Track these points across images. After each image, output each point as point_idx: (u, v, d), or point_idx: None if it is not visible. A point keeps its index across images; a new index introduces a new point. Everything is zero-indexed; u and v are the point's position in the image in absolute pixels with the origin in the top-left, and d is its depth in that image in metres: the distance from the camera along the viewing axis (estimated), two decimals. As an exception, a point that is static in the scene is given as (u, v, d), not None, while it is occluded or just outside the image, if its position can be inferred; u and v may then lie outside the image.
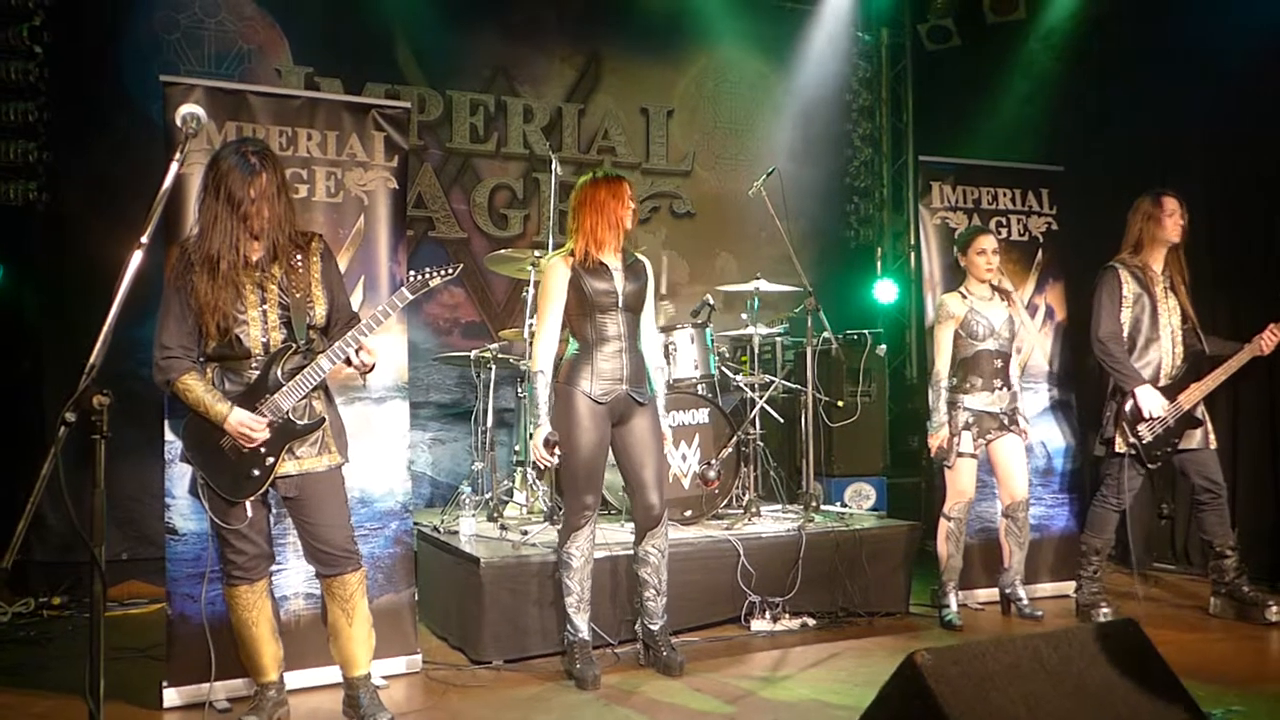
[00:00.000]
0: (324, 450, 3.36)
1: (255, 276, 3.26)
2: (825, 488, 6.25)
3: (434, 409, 6.66)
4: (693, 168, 7.63)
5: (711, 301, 5.65)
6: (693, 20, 7.45)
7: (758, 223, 7.00)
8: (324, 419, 3.36)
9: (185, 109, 2.83)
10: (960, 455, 4.80)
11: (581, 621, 4.01)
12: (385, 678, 3.97)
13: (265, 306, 3.27)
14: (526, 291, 5.40)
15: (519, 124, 7.04)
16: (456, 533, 4.77)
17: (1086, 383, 5.58)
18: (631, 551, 4.19)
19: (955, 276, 5.16)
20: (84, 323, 2.80)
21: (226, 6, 6.18)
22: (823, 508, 5.48)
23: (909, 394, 7.87)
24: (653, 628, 4.11)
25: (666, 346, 5.15)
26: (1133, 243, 4.85)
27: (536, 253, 5.32)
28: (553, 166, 5.62)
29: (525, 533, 4.70)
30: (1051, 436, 5.51)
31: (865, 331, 6.64)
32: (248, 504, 3.27)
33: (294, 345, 3.29)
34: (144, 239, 2.46)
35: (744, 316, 5.85)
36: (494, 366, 5.53)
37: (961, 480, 4.84)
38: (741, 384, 5.63)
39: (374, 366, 3.38)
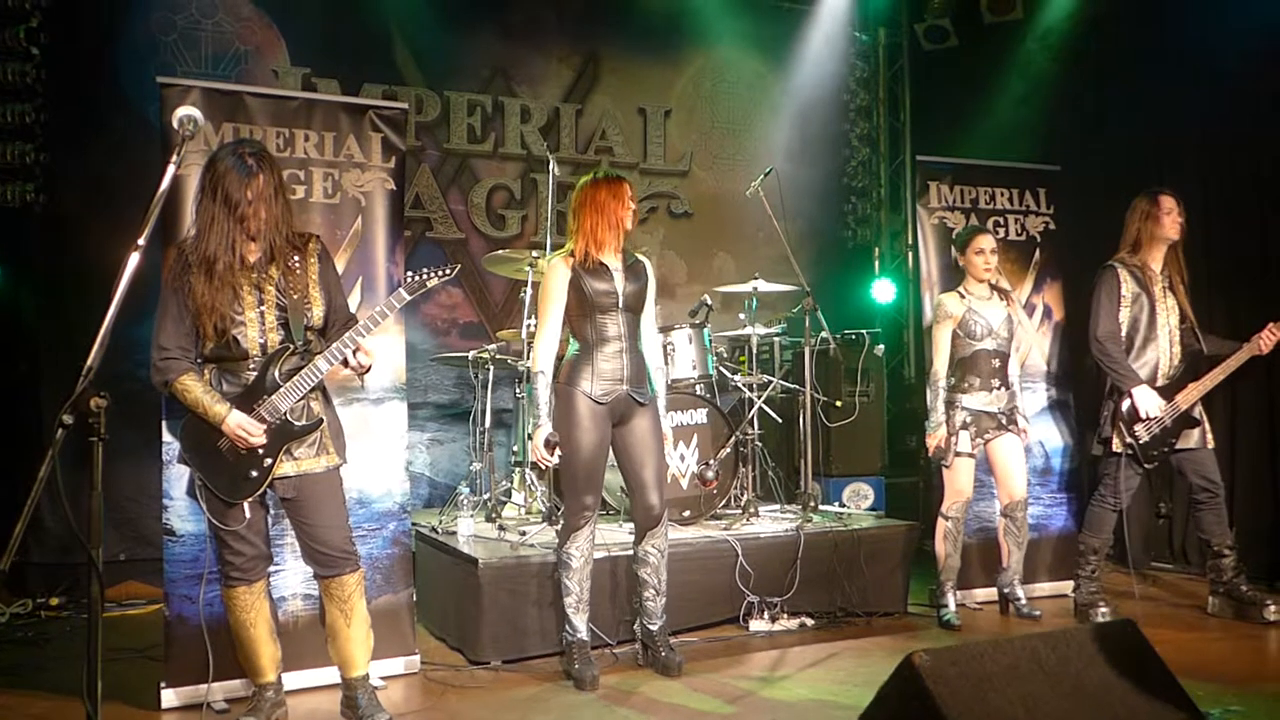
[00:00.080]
0: (322, 451, 3.36)
1: (253, 278, 3.26)
2: (823, 488, 6.26)
3: (432, 409, 6.66)
4: (690, 168, 7.63)
5: (709, 302, 5.66)
6: (690, 20, 7.46)
7: (755, 223, 7.00)
8: (322, 420, 3.36)
9: (182, 111, 2.83)
10: (958, 455, 4.80)
11: (580, 622, 4.01)
12: (383, 678, 3.97)
13: (263, 308, 3.26)
14: (524, 292, 5.39)
15: (516, 124, 7.04)
16: (455, 533, 4.77)
17: (1084, 382, 5.59)
18: (630, 552, 4.19)
19: (953, 276, 5.17)
20: (82, 324, 2.80)
21: (224, 7, 6.17)
22: (821, 508, 5.48)
23: (907, 394, 7.88)
24: (652, 628, 4.11)
25: (664, 346, 5.15)
26: (1131, 242, 4.86)
27: (534, 253, 5.31)
28: (550, 167, 5.61)
29: (523, 533, 4.70)
30: (1049, 436, 5.52)
31: (863, 331, 6.64)
32: (245, 505, 3.27)
33: (291, 346, 3.29)
34: (141, 241, 2.46)
35: (742, 317, 5.85)
36: (492, 367, 5.54)
37: (959, 480, 4.84)
38: (739, 384, 5.63)
39: (371, 367, 3.38)
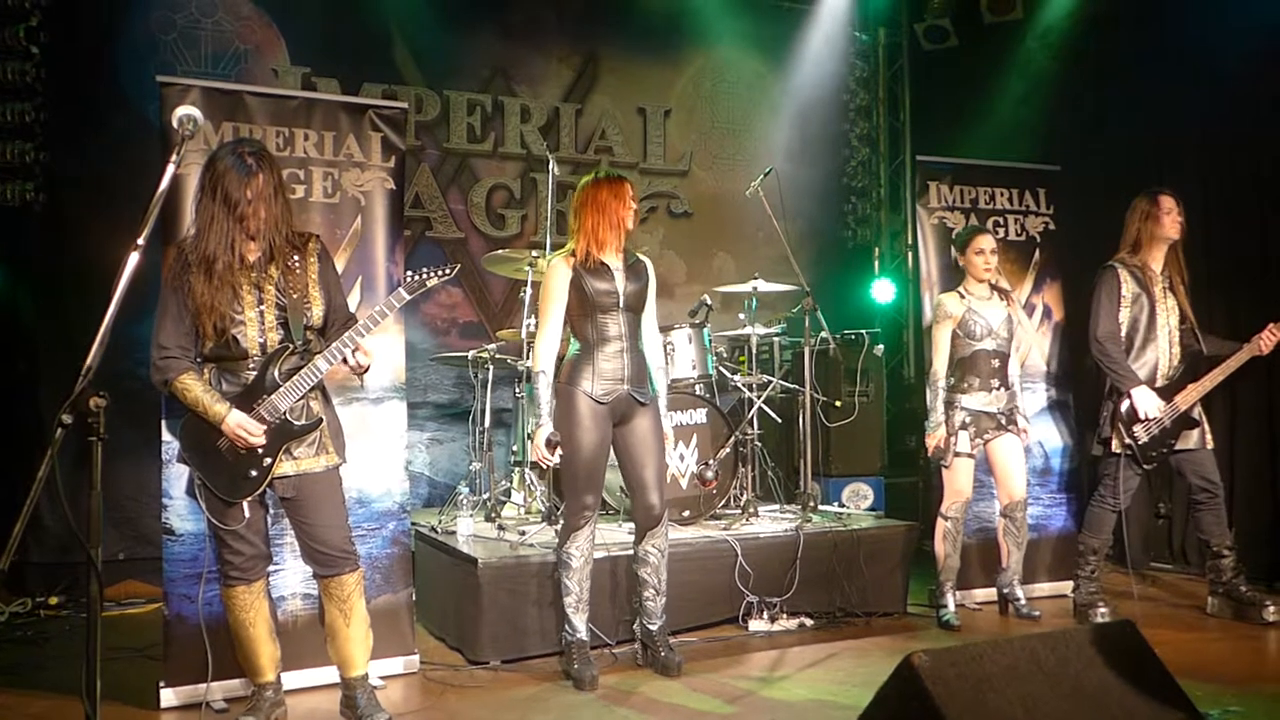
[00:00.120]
0: (321, 451, 3.36)
1: (252, 277, 3.26)
2: (823, 488, 6.26)
3: (431, 409, 6.66)
4: (690, 168, 7.63)
5: (709, 301, 5.66)
6: (690, 20, 7.46)
7: (755, 223, 7.00)
8: (321, 420, 3.35)
9: (182, 111, 2.83)
10: (957, 455, 4.81)
11: (580, 622, 4.01)
12: (383, 678, 3.97)
13: (262, 307, 3.26)
14: (524, 292, 5.40)
15: (516, 124, 7.04)
16: (454, 533, 4.77)
17: (1084, 383, 5.59)
18: (630, 552, 4.19)
19: (953, 276, 5.17)
20: (81, 323, 2.80)
21: (223, 6, 6.17)
22: (820, 508, 5.48)
23: (907, 394, 7.88)
24: (651, 628, 4.11)
25: (664, 346, 5.15)
26: (1131, 242, 4.85)
27: (534, 253, 5.32)
28: (550, 166, 5.61)
29: (523, 533, 4.70)
30: (1049, 436, 5.52)
31: (863, 331, 6.64)
32: (245, 504, 3.27)
33: (291, 346, 3.29)
34: (140, 240, 2.46)
35: (741, 316, 5.85)
36: (491, 367, 5.54)
37: (959, 480, 4.84)
38: (739, 384, 5.63)
39: (369, 367, 3.38)
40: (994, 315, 4.83)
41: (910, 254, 8.09)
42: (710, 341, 5.45)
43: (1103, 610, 4.76)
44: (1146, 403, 4.66)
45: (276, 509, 3.48)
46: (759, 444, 5.59)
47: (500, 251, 5.65)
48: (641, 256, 4.14)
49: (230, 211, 3.16)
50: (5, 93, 5.56)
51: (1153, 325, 4.77)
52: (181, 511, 3.80)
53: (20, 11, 5.53)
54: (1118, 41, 6.43)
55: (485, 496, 5.35)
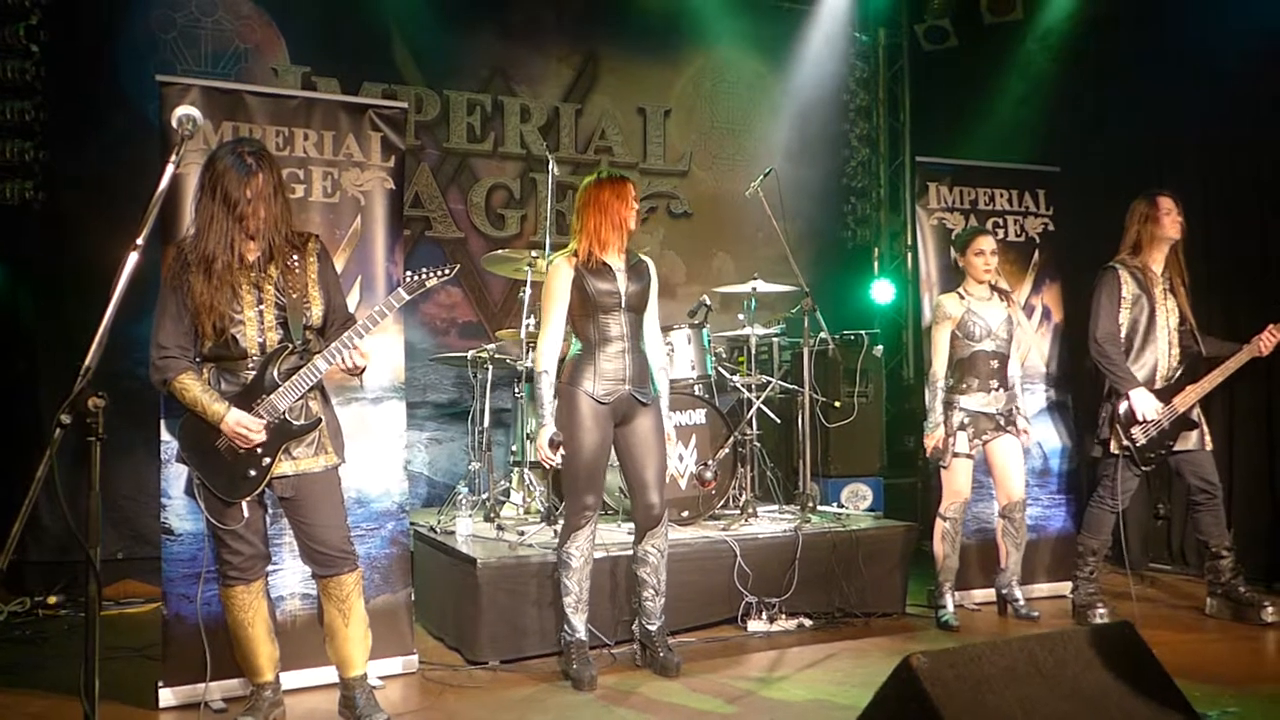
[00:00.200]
0: (320, 451, 3.36)
1: (252, 277, 3.25)
2: (822, 488, 6.26)
3: (431, 409, 6.66)
4: (690, 168, 7.64)
5: (708, 302, 5.66)
6: (690, 20, 7.46)
7: (755, 223, 7.00)
8: (320, 419, 3.35)
9: (181, 110, 2.83)
10: (956, 456, 4.81)
11: (579, 622, 4.01)
12: (381, 678, 3.97)
13: (262, 307, 3.26)
14: (523, 292, 5.39)
15: (516, 124, 7.04)
16: (453, 533, 4.77)
17: (1083, 384, 5.59)
18: (629, 552, 4.19)
19: (952, 277, 5.17)
20: (80, 322, 2.80)
21: (223, 5, 6.17)
22: (819, 508, 5.48)
23: (906, 394, 7.89)
24: (650, 628, 4.11)
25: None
26: (1131, 244, 4.85)
27: (533, 253, 5.32)
28: (550, 166, 5.62)
29: (522, 533, 4.70)
30: (1048, 437, 5.52)
31: (862, 332, 6.64)
32: (244, 504, 3.27)
33: (290, 346, 3.28)
34: (139, 240, 2.46)
35: (741, 317, 5.85)
36: (491, 367, 5.53)
37: (957, 481, 4.84)
38: (738, 384, 5.63)
39: (365, 368, 3.37)
40: (993, 316, 4.83)
41: (910, 255, 8.09)
42: (709, 342, 5.45)
43: (1101, 611, 4.77)
44: (1144, 405, 4.66)
45: (275, 509, 3.48)
46: (758, 444, 5.59)
47: (500, 251, 5.65)
48: (644, 257, 4.14)
49: (230, 211, 3.16)
50: (5, 91, 5.56)
51: (1152, 327, 4.77)
52: (180, 511, 3.80)
53: (20, 10, 5.53)
54: (1117, 42, 6.43)
55: (484, 496, 5.35)
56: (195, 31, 6.11)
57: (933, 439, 4.85)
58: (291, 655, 3.72)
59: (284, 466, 3.29)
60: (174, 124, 2.82)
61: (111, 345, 2.37)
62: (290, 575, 3.93)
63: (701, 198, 7.64)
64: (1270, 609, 4.64)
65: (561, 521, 4.08)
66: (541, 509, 5.16)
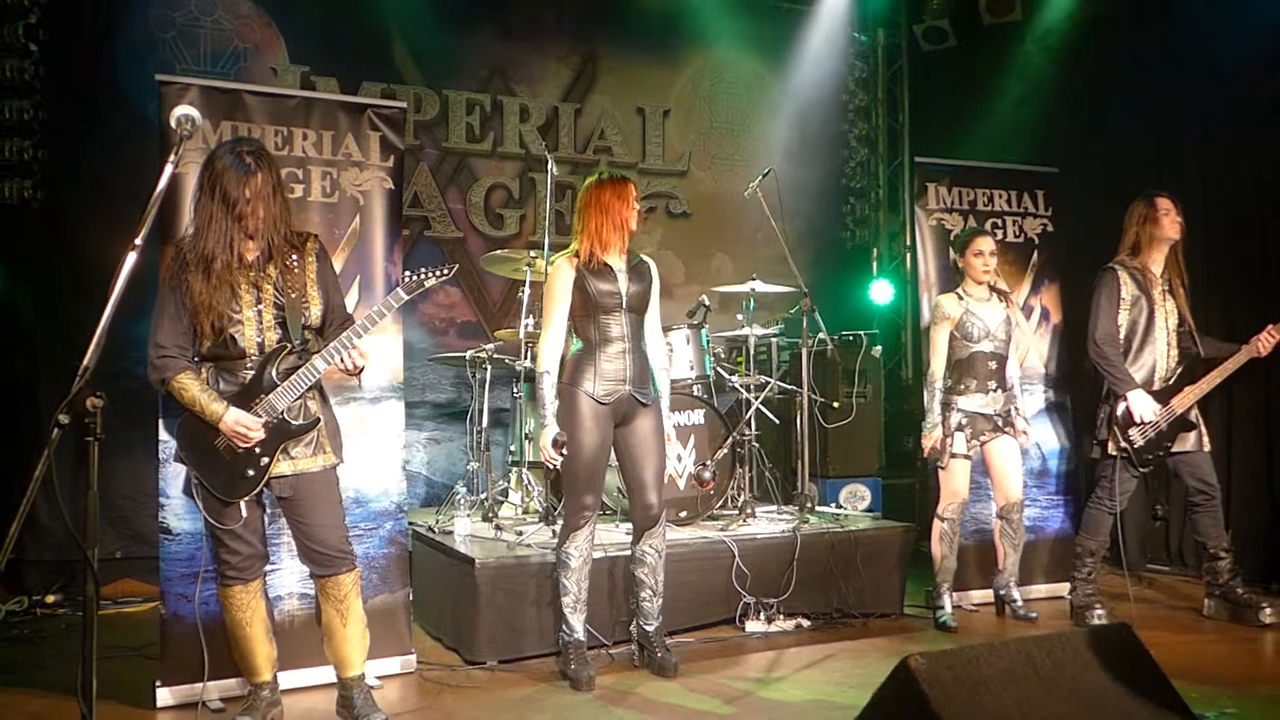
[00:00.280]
0: (319, 450, 3.36)
1: (250, 276, 3.25)
2: (820, 489, 6.27)
3: (429, 409, 6.66)
4: (689, 168, 7.64)
5: (707, 302, 5.66)
6: (689, 20, 7.46)
7: (753, 223, 7.01)
8: (319, 419, 3.35)
9: (180, 111, 2.82)
10: (953, 456, 4.81)
11: (577, 622, 4.01)
12: (379, 678, 3.97)
13: (260, 306, 3.26)
14: (522, 291, 5.40)
15: (515, 124, 7.04)
16: (451, 533, 4.77)
17: (1082, 385, 5.59)
18: (627, 552, 4.19)
19: (951, 277, 5.17)
20: (79, 322, 2.80)
21: (223, 5, 6.17)
22: (818, 509, 5.49)
23: (904, 395, 7.89)
24: (648, 629, 4.11)
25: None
26: (1129, 246, 4.85)
27: (532, 253, 5.32)
28: (549, 166, 5.60)
29: (520, 533, 4.70)
30: (1047, 438, 5.52)
31: (861, 332, 6.64)
32: (242, 504, 3.27)
33: (289, 345, 3.28)
34: (138, 241, 2.45)
35: (740, 317, 5.86)
36: (489, 366, 5.54)
37: (955, 481, 4.84)
38: (737, 385, 5.63)
39: (364, 368, 3.37)
40: (992, 317, 4.83)
41: (908, 255, 8.09)
42: (708, 342, 5.45)
43: (1099, 612, 4.77)
44: (1142, 406, 4.66)
45: (274, 508, 3.48)
46: (756, 445, 5.59)
47: (499, 251, 5.65)
48: (645, 258, 4.14)
49: (229, 210, 3.16)
50: (4, 90, 5.56)
51: (1151, 328, 4.77)
52: (178, 510, 3.79)
53: (19, 9, 5.53)
54: (1117, 43, 6.43)
55: (483, 496, 5.35)
56: (194, 31, 6.10)
57: (930, 439, 4.85)
58: (289, 655, 3.72)
59: (282, 466, 3.29)
60: (172, 124, 2.82)
61: (110, 345, 2.37)
62: (288, 575, 3.93)
63: (700, 198, 7.64)
64: (1268, 610, 4.64)
65: (560, 521, 4.08)
66: (540, 509, 5.16)
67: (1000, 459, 4.88)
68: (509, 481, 5.70)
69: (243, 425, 3.18)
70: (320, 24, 6.39)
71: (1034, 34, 7.01)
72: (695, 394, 5.36)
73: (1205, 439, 4.78)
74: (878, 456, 6.80)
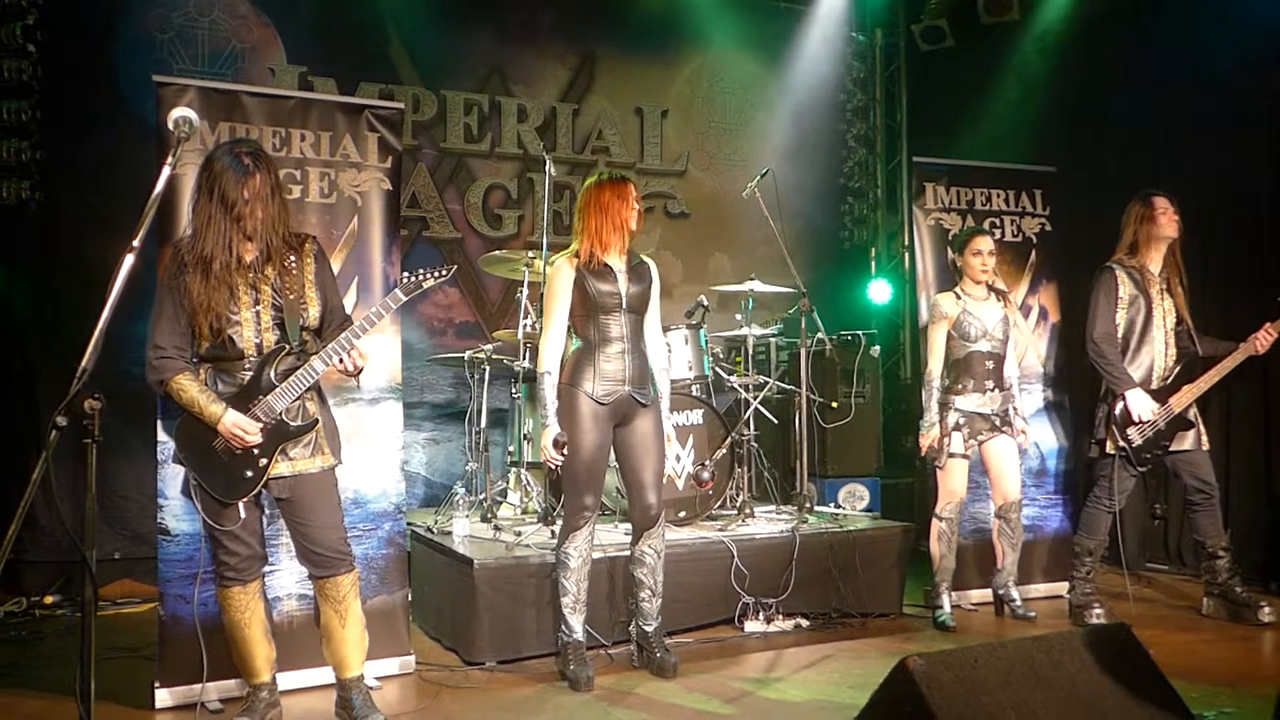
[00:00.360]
0: (317, 451, 3.35)
1: (249, 277, 3.25)
2: (819, 489, 6.26)
3: (428, 409, 6.66)
4: (687, 168, 7.64)
5: (705, 302, 5.66)
6: (687, 20, 7.45)
7: (752, 223, 6.99)
8: (317, 420, 3.35)
9: (178, 113, 2.83)
10: (951, 456, 4.82)
11: (576, 622, 4.01)
12: (378, 679, 3.97)
13: (259, 307, 3.26)
14: (521, 292, 5.39)
15: (513, 124, 7.03)
16: (450, 533, 4.76)
17: (1080, 384, 5.59)
18: (626, 553, 4.19)
19: (949, 277, 5.17)
20: (77, 323, 2.80)
21: (220, 5, 6.16)
22: (816, 509, 5.49)
23: (903, 395, 7.89)
24: (647, 629, 4.11)
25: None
26: (1127, 245, 4.85)
27: (530, 253, 5.31)
28: (547, 167, 5.60)
29: (519, 534, 4.70)
30: (1045, 437, 5.53)
31: (859, 332, 6.64)
32: (240, 505, 3.26)
33: (287, 347, 3.28)
34: (135, 242, 2.45)
35: (738, 317, 5.86)
36: (488, 367, 5.53)
37: (953, 481, 4.85)
38: (736, 385, 5.63)
39: (363, 369, 3.37)
40: (990, 317, 4.84)
41: (907, 255, 8.09)
42: (706, 342, 5.45)
43: (1098, 611, 4.77)
44: (1140, 405, 4.67)
45: (272, 509, 3.48)
46: (755, 445, 5.59)
47: (497, 252, 5.65)
48: (645, 258, 4.14)
49: (227, 211, 3.15)
50: (2, 91, 5.55)
51: (1149, 327, 4.77)
52: (177, 511, 3.79)
53: (17, 9, 5.52)
54: (1115, 43, 6.43)
55: (481, 497, 5.35)
56: (192, 31, 6.10)
57: (928, 438, 4.85)
58: (288, 656, 3.72)
59: (281, 467, 3.28)
60: (170, 126, 2.82)
61: (108, 346, 2.37)
62: (287, 576, 3.93)
63: (699, 198, 7.64)
64: (1267, 609, 4.65)
65: (559, 522, 4.07)
66: (539, 509, 5.16)
67: (998, 458, 4.89)
68: (508, 482, 5.69)
69: (240, 428, 3.17)
70: (318, 24, 6.38)
71: (1032, 34, 7.01)
72: (694, 394, 5.36)
73: (1204, 438, 4.79)
74: (876, 456, 6.80)
